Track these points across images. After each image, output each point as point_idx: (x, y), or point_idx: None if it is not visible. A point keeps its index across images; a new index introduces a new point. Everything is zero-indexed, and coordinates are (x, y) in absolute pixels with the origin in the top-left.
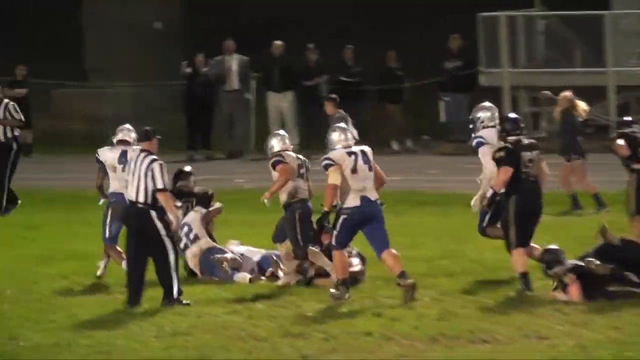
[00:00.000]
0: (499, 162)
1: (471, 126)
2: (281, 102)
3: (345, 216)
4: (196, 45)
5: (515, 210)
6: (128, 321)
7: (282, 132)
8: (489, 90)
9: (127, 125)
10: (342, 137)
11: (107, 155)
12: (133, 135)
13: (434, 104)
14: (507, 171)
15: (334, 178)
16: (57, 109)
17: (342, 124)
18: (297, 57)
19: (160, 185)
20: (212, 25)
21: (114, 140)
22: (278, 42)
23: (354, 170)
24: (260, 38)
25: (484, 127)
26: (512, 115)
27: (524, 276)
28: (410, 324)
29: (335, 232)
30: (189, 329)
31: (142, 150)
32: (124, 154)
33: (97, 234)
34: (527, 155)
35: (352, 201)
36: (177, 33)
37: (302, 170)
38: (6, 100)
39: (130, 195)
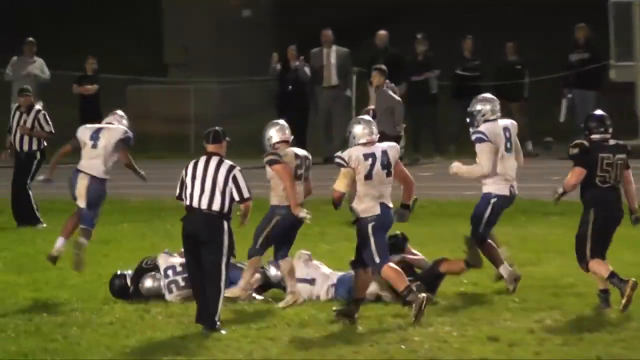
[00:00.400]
0: (572, 160)
1: (468, 120)
2: None
3: (373, 223)
4: (290, 36)
5: (594, 225)
6: (211, 346)
7: (281, 121)
8: (619, 86)
9: (119, 112)
10: (366, 131)
11: (84, 132)
12: (125, 122)
13: (556, 101)
14: (580, 173)
15: (341, 184)
16: (132, 107)
17: (368, 117)
18: (404, 49)
19: (247, 195)
20: (307, 13)
21: (103, 123)
22: (382, 32)
23: (368, 177)
24: (362, 28)
25: (485, 121)
26: (599, 112)
27: (613, 276)
28: (530, 349)
29: (372, 249)
30: (280, 355)
31: (210, 154)
32: (97, 131)
33: (177, 247)
34: (605, 157)
35: (372, 209)
36: (268, 22)
37: (300, 171)
38: (38, 108)
39: (201, 203)
